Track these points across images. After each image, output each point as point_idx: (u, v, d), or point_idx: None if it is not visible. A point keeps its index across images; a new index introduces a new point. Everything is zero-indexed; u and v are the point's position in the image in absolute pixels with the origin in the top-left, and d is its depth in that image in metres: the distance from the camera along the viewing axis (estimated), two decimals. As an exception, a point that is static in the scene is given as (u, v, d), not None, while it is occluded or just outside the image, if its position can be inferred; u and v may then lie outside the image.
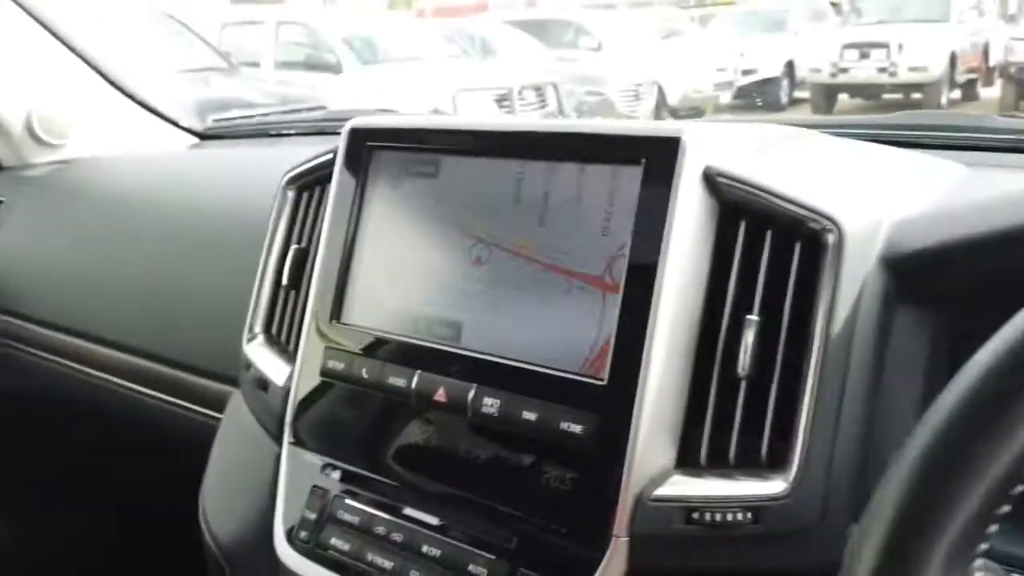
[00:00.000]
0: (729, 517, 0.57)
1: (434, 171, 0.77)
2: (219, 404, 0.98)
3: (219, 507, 0.85)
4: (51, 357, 1.27)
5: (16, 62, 1.47)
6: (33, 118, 1.51)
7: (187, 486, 0.90)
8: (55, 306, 1.27)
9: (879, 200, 0.64)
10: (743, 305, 0.61)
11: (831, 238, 0.58)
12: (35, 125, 1.51)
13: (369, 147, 0.80)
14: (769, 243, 0.60)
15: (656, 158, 0.63)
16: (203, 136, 1.65)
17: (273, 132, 1.58)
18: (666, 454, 0.62)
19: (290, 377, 0.84)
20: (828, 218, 0.58)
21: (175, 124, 1.64)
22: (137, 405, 1.14)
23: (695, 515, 0.58)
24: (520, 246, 0.71)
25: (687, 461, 0.62)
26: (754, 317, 0.60)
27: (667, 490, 0.60)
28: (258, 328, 0.91)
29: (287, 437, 0.82)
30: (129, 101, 1.63)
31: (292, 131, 1.50)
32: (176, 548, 1.76)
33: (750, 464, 0.59)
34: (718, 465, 0.61)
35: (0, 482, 1.58)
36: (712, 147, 0.63)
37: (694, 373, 0.63)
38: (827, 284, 0.58)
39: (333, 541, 0.75)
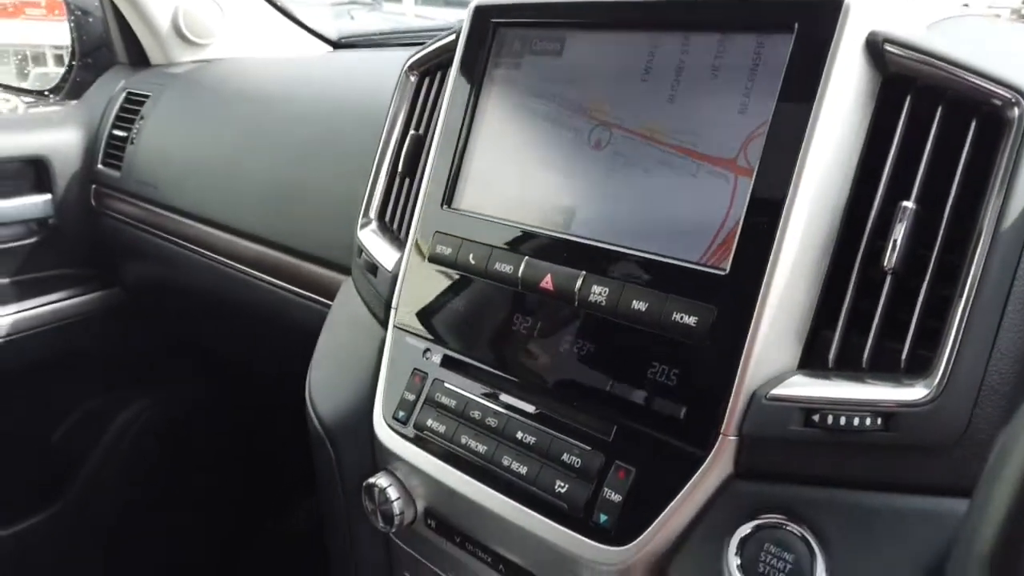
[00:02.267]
0: (856, 422, 0.51)
1: (558, 48, 0.72)
2: (331, 292, 0.99)
3: (324, 387, 0.86)
4: (183, 243, 1.33)
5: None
6: (180, 19, 1.57)
7: (296, 367, 0.91)
8: (189, 195, 1.32)
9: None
10: (897, 192, 0.53)
11: (1016, 113, 0.49)
12: (182, 25, 1.57)
13: (493, 24, 0.77)
14: (939, 120, 0.52)
15: (812, 23, 0.55)
16: (336, 45, 1.67)
17: (405, 42, 1.57)
18: (788, 353, 0.56)
19: (399, 262, 0.83)
20: (1016, 90, 0.49)
21: (312, 32, 1.67)
22: (256, 290, 1.18)
23: (815, 417, 0.52)
24: (645, 127, 0.66)
25: (812, 363, 0.56)
26: (910, 204, 0.52)
27: (786, 390, 0.54)
28: (372, 215, 0.90)
29: (392, 321, 0.82)
30: (270, 7, 1.67)
31: (422, 40, 1.48)
32: (283, 426, 1.87)
33: (885, 369, 0.53)
34: (847, 368, 0.55)
35: (135, 358, 1.71)
36: (878, 12, 0.55)
37: (831, 267, 0.56)
38: (1005, 168, 0.50)
39: (429, 423, 0.74)
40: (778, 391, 0.54)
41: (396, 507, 0.75)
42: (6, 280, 1.58)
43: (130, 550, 1.72)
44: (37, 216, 1.56)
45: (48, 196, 1.55)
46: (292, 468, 1.96)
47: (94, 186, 1.57)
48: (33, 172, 1.55)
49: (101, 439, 1.69)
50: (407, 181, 0.88)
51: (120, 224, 1.51)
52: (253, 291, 1.19)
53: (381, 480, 0.76)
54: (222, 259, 1.25)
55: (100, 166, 1.54)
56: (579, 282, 0.66)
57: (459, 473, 0.70)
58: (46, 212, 1.55)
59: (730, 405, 0.56)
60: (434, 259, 0.78)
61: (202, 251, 1.29)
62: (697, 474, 0.56)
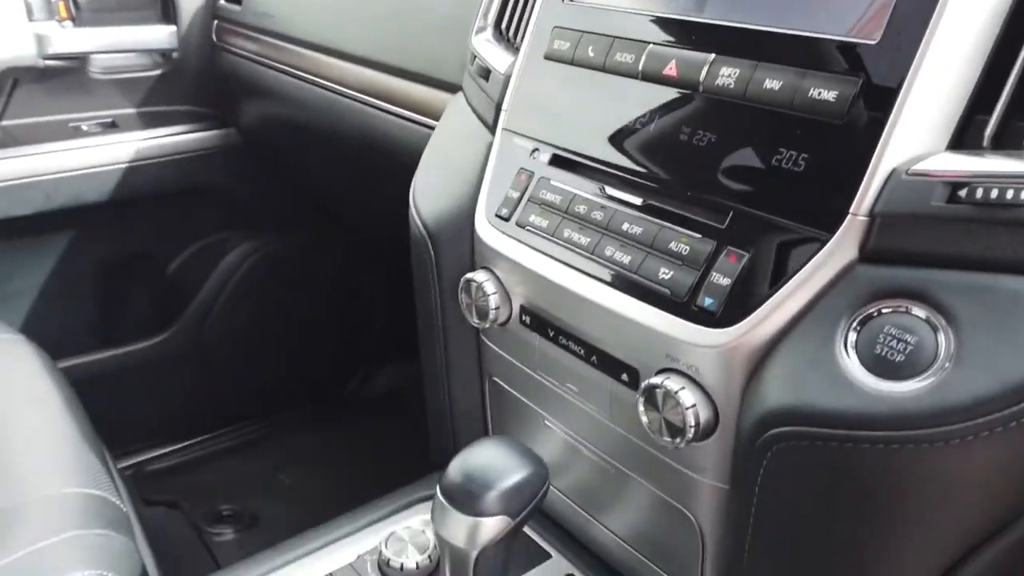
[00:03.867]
0: (1010, 194, 0.46)
1: None
2: (439, 114, 0.98)
3: (428, 190, 0.86)
4: (297, 73, 1.35)
5: None
6: None
7: (402, 184, 0.91)
8: (304, 23, 1.33)
9: None
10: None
11: None
12: None
13: None
14: None
15: None
16: None
17: None
18: (936, 134, 0.51)
19: (512, 65, 0.80)
20: None
21: None
22: (367, 117, 1.18)
23: (962, 192, 0.48)
24: None
25: (963, 144, 0.51)
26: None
27: (932, 165, 0.49)
28: (487, 21, 0.88)
29: (502, 123, 0.80)
30: None
31: None
32: (378, 288, 1.92)
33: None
34: (1002, 147, 0.49)
35: (247, 200, 1.77)
36: None
37: (997, 41, 0.50)
38: None
39: (532, 219, 0.72)
40: (922, 166, 0.50)
41: (492, 302, 0.75)
42: (132, 110, 1.65)
43: (229, 376, 1.83)
44: (162, 47, 1.60)
45: (173, 28, 1.59)
46: (381, 328, 2.03)
47: (216, 21, 1.59)
48: (159, 2, 1.59)
49: (211, 274, 1.78)
50: (527, -14, 0.84)
51: (239, 59, 1.54)
52: (364, 118, 1.19)
53: (479, 275, 0.76)
54: (334, 86, 1.26)
55: (222, 1, 1.56)
56: (706, 66, 0.61)
57: (559, 265, 0.69)
58: (170, 44, 1.60)
59: (864, 183, 0.51)
60: (550, 56, 0.75)
61: (315, 80, 1.30)
62: (817, 257, 0.53)
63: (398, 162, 1.04)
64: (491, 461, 0.62)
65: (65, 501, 0.91)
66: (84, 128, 1.58)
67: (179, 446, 1.81)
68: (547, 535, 0.82)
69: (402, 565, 0.75)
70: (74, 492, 0.93)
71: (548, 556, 0.79)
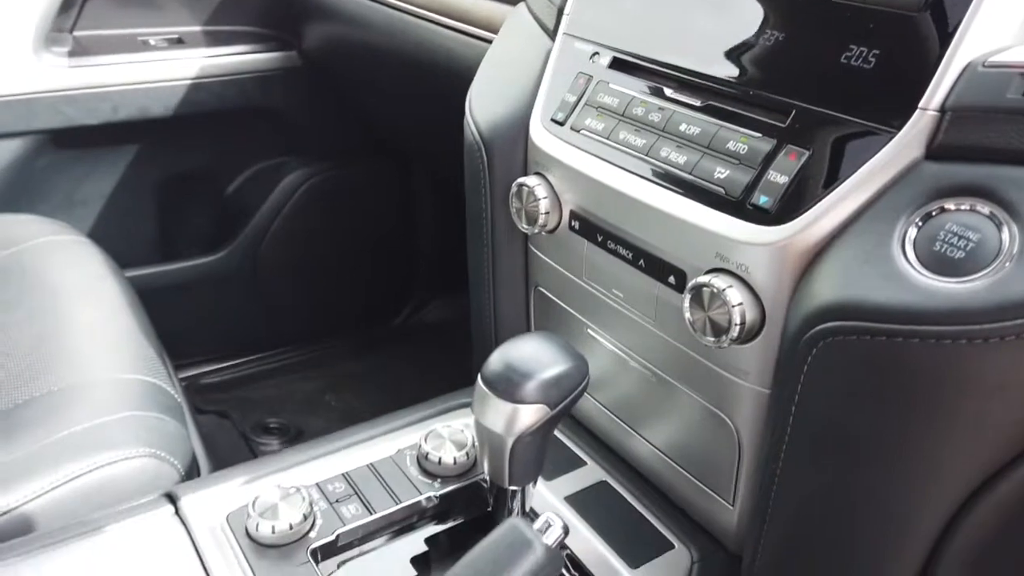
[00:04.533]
0: (1094, 83, 0.44)
1: None
2: (498, 27, 0.97)
3: (484, 98, 0.85)
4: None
5: None
6: None
7: (459, 104, 0.91)
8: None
9: None
10: None
11: None
12: None
13: None
14: None
15: None
16: None
17: None
18: (1016, 25, 0.49)
19: (577, -32, 0.79)
20: None
21: None
22: (428, 33, 1.18)
23: (1043, 82, 0.46)
24: None
25: (1047, 38, 0.49)
26: None
27: (1011, 57, 0.47)
28: (554, -73, 0.86)
29: (563, 27, 0.79)
30: None
31: None
32: (427, 215, 1.93)
33: None
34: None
35: (306, 125, 1.79)
36: None
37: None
38: None
39: (588, 122, 0.72)
40: (1001, 58, 0.48)
41: (542, 206, 0.75)
42: (198, 27, 1.67)
43: (282, 299, 1.88)
44: (229, -37, 1.62)
45: (239, -56, 1.60)
46: (431, 263, 2.05)
47: (282, -62, 1.60)
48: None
49: (268, 197, 1.81)
50: None
51: (302, -21, 1.54)
52: (425, 35, 1.19)
53: (531, 180, 0.76)
54: (397, 3, 1.25)
55: (290, -81, 1.56)
56: (778, -40, 0.60)
57: (612, 168, 0.68)
58: (237, -40, 1.61)
59: (937, 76, 0.50)
60: (616, -43, 0.74)
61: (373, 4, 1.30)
62: (881, 153, 0.51)
63: (456, 80, 1.04)
64: (533, 352, 0.63)
65: (126, 385, 0.95)
66: (151, 43, 1.61)
67: (230, 363, 1.87)
68: (583, 445, 0.83)
69: (440, 459, 0.76)
70: (134, 378, 0.97)
71: (583, 463, 0.80)
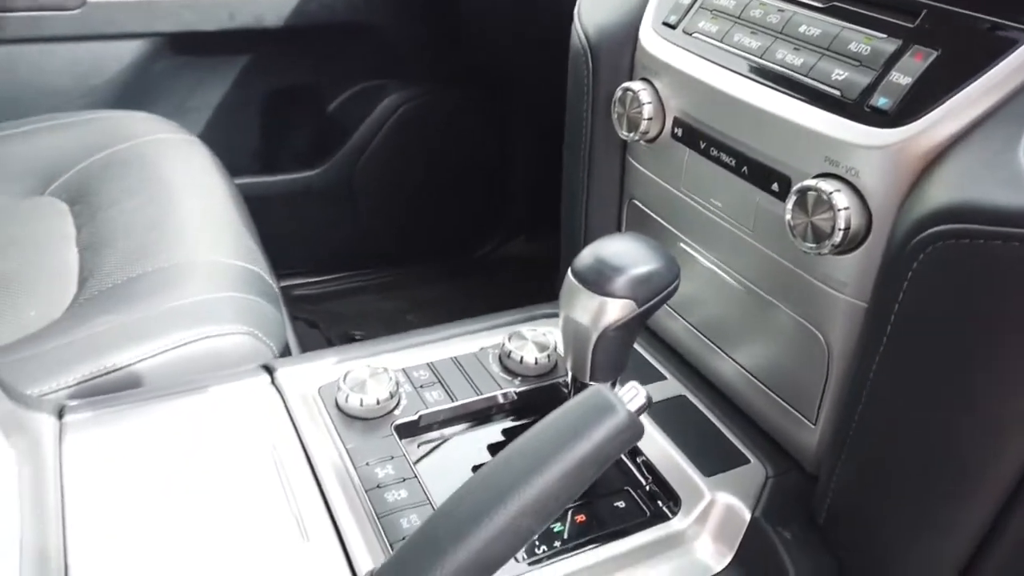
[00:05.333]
0: None
1: None
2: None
3: (593, 4, 0.84)
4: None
5: None
6: None
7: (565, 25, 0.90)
8: None
9: None
10: None
11: None
12: None
13: None
14: None
15: None
16: None
17: None
18: None
19: None
20: None
21: None
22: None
23: None
24: None
25: None
26: None
27: None
28: None
29: (682, -69, 0.77)
30: None
31: None
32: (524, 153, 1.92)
33: None
34: None
35: (407, 49, 1.81)
36: None
37: None
38: None
39: (701, 24, 0.70)
40: None
41: (646, 111, 0.74)
42: (312, -59, 1.70)
43: (373, 220, 1.92)
44: None
45: None
46: (524, 199, 2.05)
47: None
48: None
49: (367, 118, 1.85)
50: None
51: None
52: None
53: (636, 84, 0.75)
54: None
55: None
56: None
57: (724, 71, 0.67)
58: None
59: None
60: None
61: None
62: (1015, 53, 0.48)
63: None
64: (626, 249, 0.63)
65: (229, 268, 1.00)
66: (268, -47, 1.64)
67: (320, 278, 1.93)
68: (663, 360, 0.83)
69: (521, 358, 0.78)
70: (237, 264, 1.02)
71: (663, 377, 0.81)
